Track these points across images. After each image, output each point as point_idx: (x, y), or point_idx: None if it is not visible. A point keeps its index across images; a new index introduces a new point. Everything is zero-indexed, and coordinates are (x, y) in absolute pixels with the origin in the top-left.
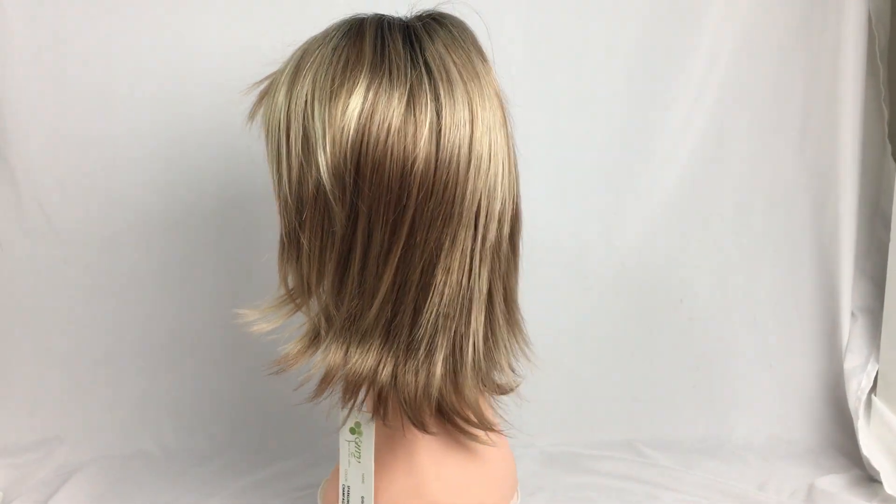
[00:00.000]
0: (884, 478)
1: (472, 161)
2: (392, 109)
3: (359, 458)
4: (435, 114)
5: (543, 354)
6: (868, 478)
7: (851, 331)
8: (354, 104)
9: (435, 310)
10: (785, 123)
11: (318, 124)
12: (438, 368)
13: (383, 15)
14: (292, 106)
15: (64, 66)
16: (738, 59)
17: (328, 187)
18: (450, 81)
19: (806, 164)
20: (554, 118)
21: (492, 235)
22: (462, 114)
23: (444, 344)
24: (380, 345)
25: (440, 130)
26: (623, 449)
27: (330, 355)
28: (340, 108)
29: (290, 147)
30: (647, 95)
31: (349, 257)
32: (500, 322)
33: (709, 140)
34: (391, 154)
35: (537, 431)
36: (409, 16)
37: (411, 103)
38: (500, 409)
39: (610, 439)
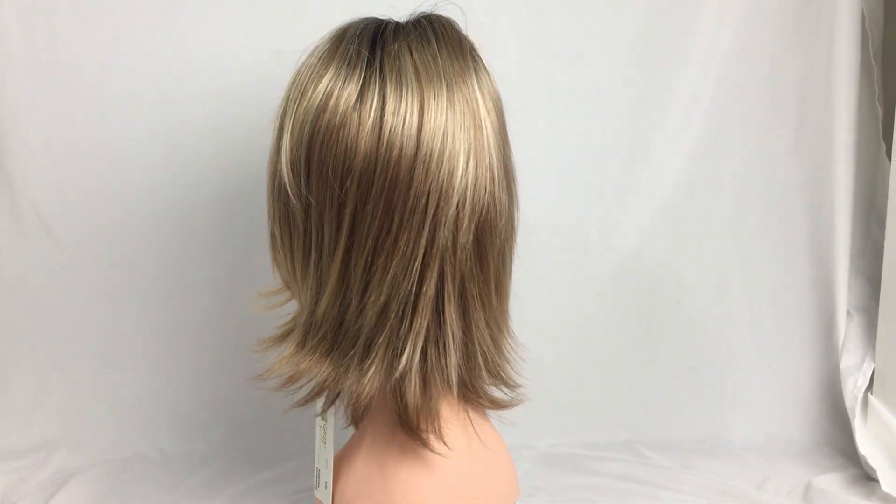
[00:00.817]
0: (881, 476)
1: (419, 160)
2: (340, 106)
3: (325, 443)
4: (380, 110)
5: (542, 355)
6: (865, 476)
7: (847, 330)
8: (313, 101)
9: (372, 311)
10: (780, 123)
11: (286, 120)
12: (373, 372)
13: (375, 18)
14: (281, 103)
15: (60, 71)
16: (732, 59)
17: (286, 180)
18: (399, 79)
19: (801, 163)
20: (550, 120)
21: (442, 240)
22: (409, 112)
23: (383, 348)
24: (329, 343)
25: (382, 127)
26: (622, 449)
27: (286, 350)
28: (303, 105)
29: (272, 142)
30: (644, 97)
31: (310, 252)
32: (453, 331)
33: (705, 141)
34: (335, 148)
35: (536, 432)
36: (404, 19)
37: (359, 100)
38: (498, 413)
39: (609, 440)
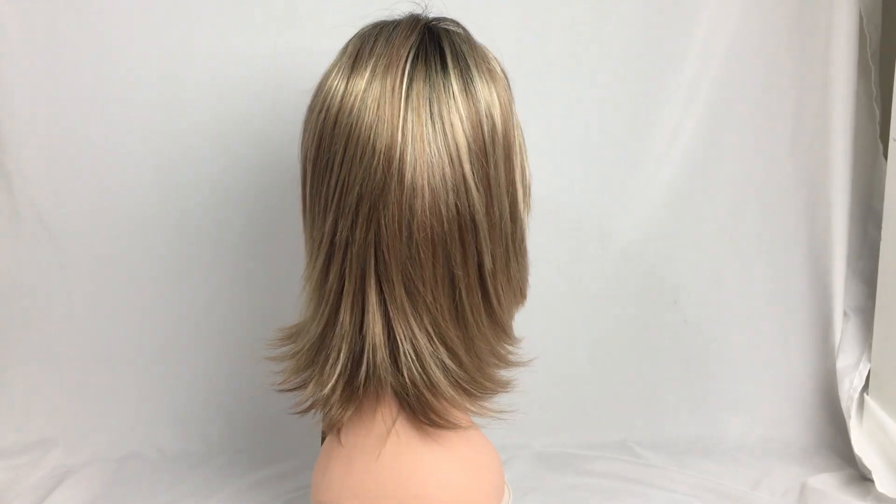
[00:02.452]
0: (876, 476)
1: (349, 149)
2: (332, 86)
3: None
4: (339, 98)
5: (537, 355)
6: (860, 476)
7: (844, 330)
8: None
9: (318, 313)
10: (777, 124)
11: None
12: (333, 382)
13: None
14: None
15: (59, 70)
16: (729, 59)
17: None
18: (359, 67)
19: (798, 164)
20: (546, 120)
21: (359, 232)
22: (353, 96)
23: (333, 352)
24: (307, 353)
25: (336, 112)
26: (617, 449)
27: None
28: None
29: None
30: (640, 97)
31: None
32: (400, 329)
33: (701, 141)
34: (303, 131)
35: (531, 432)
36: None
37: (332, 82)
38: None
39: (604, 440)
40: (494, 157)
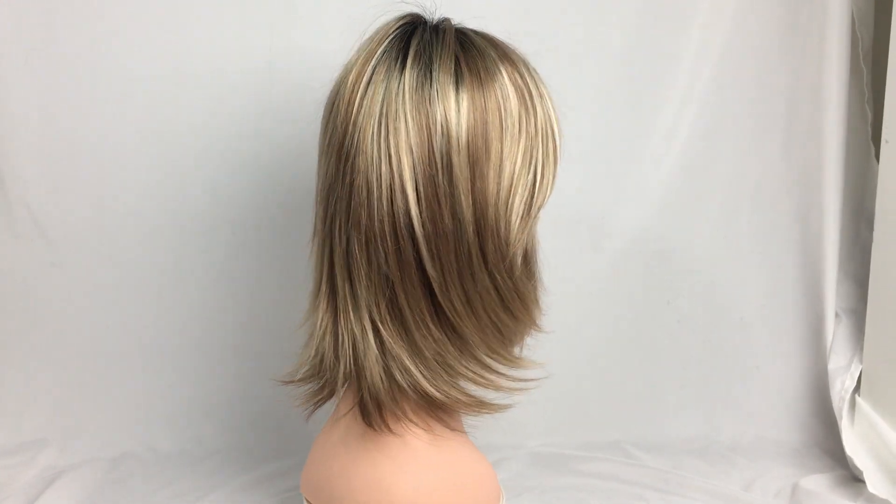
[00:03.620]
0: (867, 477)
1: (336, 126)
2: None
3: None
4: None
5: (532, 356)
6: (852, 477)
7: (836, 331)
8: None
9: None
10: (770, 125)
11: None
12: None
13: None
14: None
15: (53, 70)
16: (723, 62)
17: None
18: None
19: (791, 165)
20: None
21: (320, 223)
22: (338, 87)
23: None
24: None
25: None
26: (611, 450)
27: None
28: None
29: None
30: (634, 99)
31: None
32: (342, 322)
33: (695, 143)
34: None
35: (526, 432)
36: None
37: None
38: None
39: (598, 440)
40: (447, 164)
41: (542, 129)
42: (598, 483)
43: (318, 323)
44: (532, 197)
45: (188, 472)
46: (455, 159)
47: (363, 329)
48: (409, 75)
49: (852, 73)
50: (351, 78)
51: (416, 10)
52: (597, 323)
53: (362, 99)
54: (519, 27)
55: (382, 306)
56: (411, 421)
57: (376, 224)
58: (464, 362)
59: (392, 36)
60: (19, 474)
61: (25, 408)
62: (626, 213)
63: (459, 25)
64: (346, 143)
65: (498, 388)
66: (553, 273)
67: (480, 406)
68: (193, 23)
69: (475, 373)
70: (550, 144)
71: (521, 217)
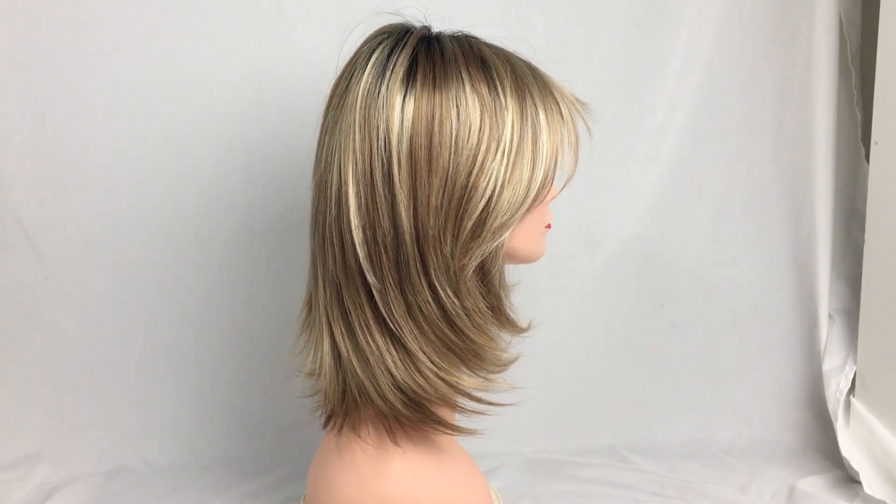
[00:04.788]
0: (863, 478)
1: (316, 151)
2: None
3: None
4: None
5: (526, 360)
6: (848, 478)
7: (829, 333)
8: None
9: None
10: (760, 128)
11: None
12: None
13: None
14: None
15: (43, 81)
16: (712, 64)
17: None
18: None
19: (781, 168)
20: None
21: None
22: (327, 102)
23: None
24: None
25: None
26: (606, 454)
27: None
28: None
29: None
30: (624, 102)
31: None
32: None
33: (684, 146)
34: None
35: (520, 438)
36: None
37: None
38: (476, 416)
39: (593, 445)
40: (387, 173)
41: (511, 147)
42: (593, 488)
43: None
44: (487, 215)
45: (183, 485)
46: (395, 168)
47: (321, 332)
48: (364, 83)
49: (841, 75)
50: (331, 88)
51: (405, 19)
52: (590, 326)
53: (328, 108)
54: (508, 32)
55: (334, 310)
56: (365, 430)
57: (327, 228)
58: (409, 374)
59: (369, 44)
60: (14, 490)
61: (18, 423)
62: (617, 216)
63: (461, 33)
64: (316, 150)
65: (451, 407)
66: (545, 277)
67: (430, 423)
68: (184, 32)
69: (421, 387)
70: (525, 166)
71: (472, 234)
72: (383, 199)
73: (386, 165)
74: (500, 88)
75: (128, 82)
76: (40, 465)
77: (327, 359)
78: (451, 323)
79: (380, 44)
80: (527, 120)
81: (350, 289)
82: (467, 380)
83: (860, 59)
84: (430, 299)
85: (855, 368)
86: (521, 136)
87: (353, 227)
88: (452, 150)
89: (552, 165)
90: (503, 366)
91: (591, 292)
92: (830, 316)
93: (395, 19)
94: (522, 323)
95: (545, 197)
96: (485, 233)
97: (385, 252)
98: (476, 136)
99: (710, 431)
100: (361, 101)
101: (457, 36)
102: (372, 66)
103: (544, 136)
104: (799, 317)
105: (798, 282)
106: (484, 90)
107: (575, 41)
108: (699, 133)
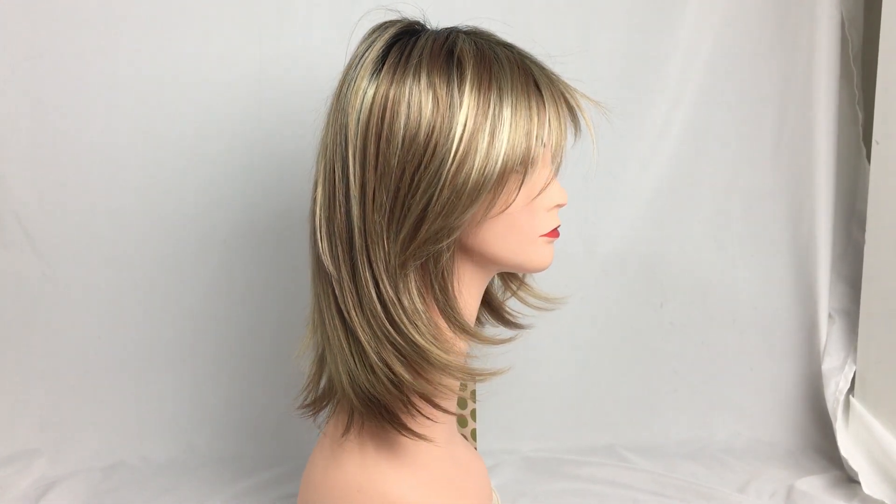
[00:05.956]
0: (862, 478)
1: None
2: None
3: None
4: None
5: (525, 360)
6: (847, 478)
7: (829, 333)
8: None
9: None
10: (760, 128)
11: None
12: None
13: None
14: None
15: (42, 79)
16: (713, 64)
17: None
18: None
19: (782, 167)
20: None
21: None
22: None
23: None
24: None
25: None
26: (605, 454)
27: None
28: None
29: None
30: (625, 102)
31: None
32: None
33: (685, 146)
34: None
35: (519, 437)
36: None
37: None
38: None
39: (592, 444)
40: (344, 163)
41: (459, 147)
42: (592, 487)
43: None
44: (425, 216)
45: (181, 481)
46: (350, 160)
47: (309, 317)
48: (354, 66)
49: (842, 74)
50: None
51: (401, 16)
52: (589, 326)
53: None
54: (508, 31)
55: (315, 301)
56: (335, 419)
57: (308, 219)
58: (360, 367)
59: (363, 40)
60: (12, 485)
61: (16, 419)
62: (617, 215)
63: (461, 27)
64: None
65: (400, 409)
66: (544, 277)
67: (384, 420)
68: (184, 30)
69: (370, 382)
70: (474, 169)
71: (412, 234)
72: (341, 191)
73: (344, 157)
74: (458, 84)
75: (128, 81)
76: (38, 460)
77: (318, 348)
78: (391, 320)
79: (366, 39)
80: (485, 118)
81: (317, 279)
82: (415, 382)
83: (861, 59)
84: (374, 294)
85: (854, 368)
86: (472, 135)
87: (317, 219)
88: (399, 145)
89: (509, 167)
90: (470, 375)
91: (591, 292)
92: (830, 316)
93: (392, 16)
94: (487, 334)
95: (510, 202)
96: (423, 234)
97: (340, 243)
98: (424, 134)
99: (709, 431)
100: (337, 94)
101: (448, 31)
102: (352, 60)
103: (504, 135)
104: (798, 317)
105: (798, 282)
106: (440, 86)
107: (575, 42)
108: (699, 133)
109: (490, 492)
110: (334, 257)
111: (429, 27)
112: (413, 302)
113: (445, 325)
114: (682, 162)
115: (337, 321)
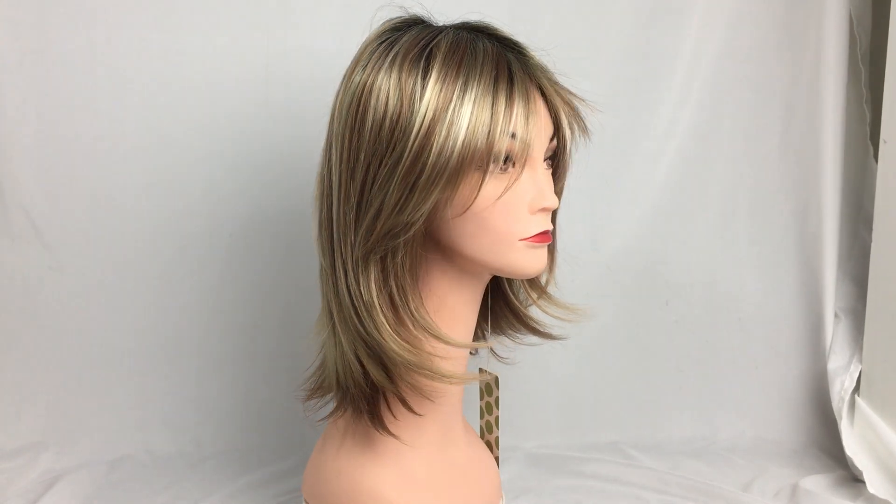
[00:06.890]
0: (867, 477)
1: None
2: None
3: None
4: None
5: (530, 357)
6: (852, 477)
7: (835, 332)
8: None
9: None
10: (768, 126)
11: None
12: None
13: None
14: None
15: (49, 75)
16: (720, 62)
17: None
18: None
19: (789, 166)
20: None
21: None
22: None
23: None
24: None
25: None
26: (609, 451)
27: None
28: None
29: None
30: (631, 100)
31: None
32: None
33: (692, 144)
34: None
35: (523, 434)
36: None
37: None
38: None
39: (596, 441)
40: (327, 146)
41: (416, 140)
42: (596, 484)
43: None
44: (379, 212)
45: (187, 475)
46: (332, 152)
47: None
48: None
49: (850, 73)
50: None
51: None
52: (594, 323)
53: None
54: (515, 28)
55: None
56: (339, 413)
57: (324, 207)
58: (337, 356)
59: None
60: (18, 478)
61: (23, 411)
62: (623, 213)
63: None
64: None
65: (374, 403)
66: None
67: (362, 414)
68: (190, 27)
69: (343, 372)
70: (428, 166)
71: (369, 229)
72: (326, 184)
73: (328, 150)
74: (423, 77)
75: (135, 76)
76: (44, 453)
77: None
78: (357, 312)
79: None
80: (445, 110)
81: (321, 270)
82: (381, 379)
83: (870, 58)
84: (344, 286)
85: (860, 368)
86: (430, 126)
87: (313, 211)
88: (367, 138)
89: (468, 160)
90: (439, 376)
91: (596, 289)
92: (836, 315)
93: (399, 13)
94: (452, 338)
95: (473, 199)
96: (379, 228)
97: (323, 233)
98: (388, 126)
99: (714, 429)
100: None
101: (442, 26)
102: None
103: (461, 126)
104: (804, 315)
105: (804, 280)
106: (406, 79)
107: (583, 38)
108: (706, 131)
109: (495, 500)
110: (322, 249)
111: (432, 23)
112: (371, 295)
113: (411, 323)
114: (689, 160)
115: (325, 311)
